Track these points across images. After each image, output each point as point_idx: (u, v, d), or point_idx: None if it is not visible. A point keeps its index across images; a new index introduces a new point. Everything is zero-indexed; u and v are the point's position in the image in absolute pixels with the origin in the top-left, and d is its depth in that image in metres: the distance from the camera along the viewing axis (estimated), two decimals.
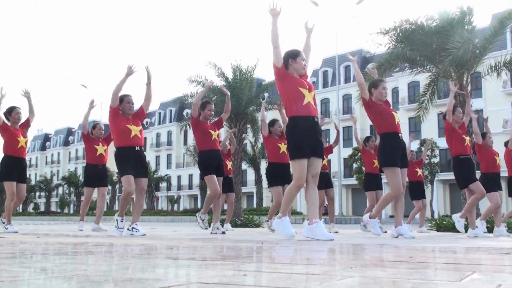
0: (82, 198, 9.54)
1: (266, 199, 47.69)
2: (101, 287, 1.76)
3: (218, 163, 7.40)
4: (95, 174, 8.89)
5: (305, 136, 5.42)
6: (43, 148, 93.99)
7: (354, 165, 42.08)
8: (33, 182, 77.95)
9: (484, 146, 8.26)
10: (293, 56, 5.64)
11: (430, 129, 44.67)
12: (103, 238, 5.68)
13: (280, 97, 5.78)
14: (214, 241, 4.99)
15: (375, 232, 6.77)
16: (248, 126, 22.35)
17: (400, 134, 6.44)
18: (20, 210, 70.98)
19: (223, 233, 7.41)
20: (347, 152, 45.32)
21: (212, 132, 7.42)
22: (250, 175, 54.63)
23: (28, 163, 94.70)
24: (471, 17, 13.59)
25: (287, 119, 5.66)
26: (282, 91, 5.61)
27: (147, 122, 78.87)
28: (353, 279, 1.99)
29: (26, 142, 8.12)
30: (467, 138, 7.64)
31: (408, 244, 4.66)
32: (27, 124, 8.25)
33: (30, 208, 75.31)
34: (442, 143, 24.53)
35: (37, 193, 77.56)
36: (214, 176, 7.25)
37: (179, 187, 70.16)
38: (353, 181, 47.02)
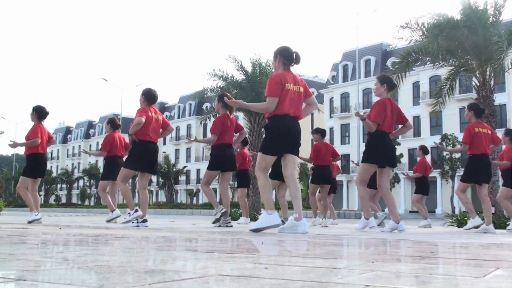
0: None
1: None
2: (123, 278, 1.77)
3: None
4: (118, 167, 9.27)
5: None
6: (64, 140, 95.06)
7: None
8: (54, 174, 78.98)
9: None
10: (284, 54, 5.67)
11: (451, 124, 44.13)
12: (124, 230, 5.73)
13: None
14: (233, 234, 4.99)
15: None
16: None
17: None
18: (42, 202, 72.05)
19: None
20: None
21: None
22: None
23: (49, 155, 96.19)
24: (502, 9, 13.33)
25: None
26: None
27: (166, 116, 79.33)
28: (374, 273, 1.97)
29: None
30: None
31: (429, 240, 4.62)
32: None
33: (52, 200, 76.37)
34: None
35: (59, 185, 78.63)
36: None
37: (198, 181, 70.44)
38: None
